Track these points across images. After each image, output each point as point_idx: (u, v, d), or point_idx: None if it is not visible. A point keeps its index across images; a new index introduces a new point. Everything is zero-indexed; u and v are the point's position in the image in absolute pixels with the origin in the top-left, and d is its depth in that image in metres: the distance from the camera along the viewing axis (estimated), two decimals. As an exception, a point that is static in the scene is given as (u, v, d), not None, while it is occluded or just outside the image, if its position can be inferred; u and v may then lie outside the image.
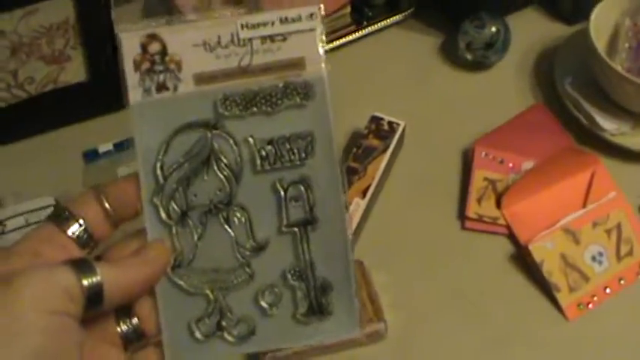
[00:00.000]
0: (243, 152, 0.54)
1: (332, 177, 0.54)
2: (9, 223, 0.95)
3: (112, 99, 1.08)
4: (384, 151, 0.95)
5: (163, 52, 0.53)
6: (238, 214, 0.54)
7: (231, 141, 0.54)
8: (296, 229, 0.54)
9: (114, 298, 0.47)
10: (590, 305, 0.88)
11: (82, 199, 0.51)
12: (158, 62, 0.53)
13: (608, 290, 0.89)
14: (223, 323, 0.54)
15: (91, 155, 1.00)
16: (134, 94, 0.53)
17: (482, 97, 1.08)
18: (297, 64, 0.54)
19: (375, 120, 0.97)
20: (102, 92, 1.09)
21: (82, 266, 0.45)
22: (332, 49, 1.11)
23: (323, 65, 0.54)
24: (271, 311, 0.54)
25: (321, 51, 0.54)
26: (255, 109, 0.54)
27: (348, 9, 1.13)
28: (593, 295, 0.88)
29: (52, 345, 0.42)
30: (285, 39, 0.54)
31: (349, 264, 0.54)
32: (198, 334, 0.53)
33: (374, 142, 0.95)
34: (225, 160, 0.54)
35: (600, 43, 0.98)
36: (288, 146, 0.54)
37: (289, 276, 0.54)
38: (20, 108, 1.08)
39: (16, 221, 0.95)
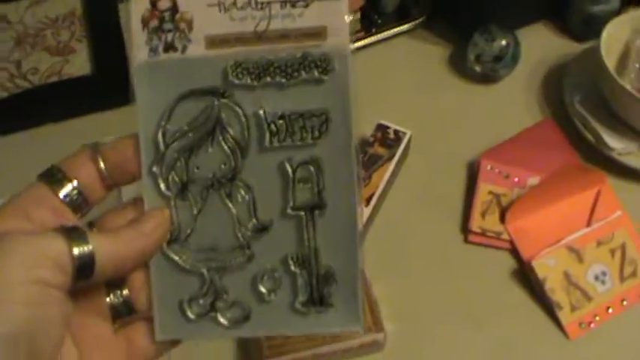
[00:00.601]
0: (252, 126, 0.50)
1: (346, 161, 0.49)
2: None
3: (116, 94, 1.08)
4: (390, 159, 0.94)
5: (174, 9, 0.50)
6: (242, 192, 0.50)
7: (240, 112, 0.50)
8: (302, 213, 0.50)
9: (105, 270, 0.44)
10: (592, 325, 0.87)
11: (77, 159, 0.48)
12: (167, 20, 0.50)
13: (610, 310, 0.88)
14: (217, 304, 0.50)
15: (93, 150, 0.98)
16: (140, 52, 0.50)
17: (490, 110, 1.07)
18: (319, 33, 0.49)
19: (382, 128, 0.96)
20: (106, 86, 1.09)
21: (73, 235, 0.43)
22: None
23: (347, 38, 0.49)
24: (269, 297, 0.50)
25: (346, 22, 0.49)
26: (268, 79, 0.49)
27: (358, 15, 1.12)
28: (595, 315, 0.87)
29: (36, 317, 0.40)
30: (307, 5, 0.49)
31: (357, 255, 0.50)
32: (190, 314, 0.50)
33: (379, 150, 0.94)
34: (231, 133, 0.50)
35: (610, 62, 0.97)
36: (301, 123, 0.49)
37: (291, 262, 0.50)
38: (23, 99, 1.07)
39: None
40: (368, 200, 0.90)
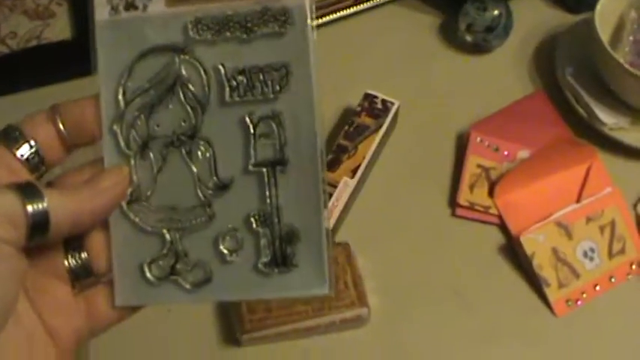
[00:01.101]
0: (212, 81, 0.49)
1: (308, 116, 0.49)
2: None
3: (97, 59, 1.05)
4: (377, 130, 0.92)
5: None
6: (202, 149, 0.49)
7: (200, 68, 0.49)
8: (264, 170, 0.49)
9: (61, 228, 0.43)
10: (579, 302, 0.86)
11: (35, 119, 0.47)
12: None
13: (598, 288, 0.87)
14: (178, 267, 0.50)
15: (72, 116, 0.96)
16: (101, 11, 0.49)
17: (481, 81, 1.05)
18: None
19: (369, 97, 0.94)
20: (87, 52, 1.06)
21: (27, 191, 0.42)
22: (328, 22, 1.08)
23: None
24: (231, 257, 0.49)
25: None
26: (228, 34, 0.49)
27: (348, -18, 1.10)
28: (583, 292, 0.86)
29: None
30: None
31: (321, 212, 0.49)
32: (149, 276, 0.50)
33: (366, 120, 0.92)
34: (192, 89, 0.49)
35: (604, 35, 0.95)
36: (261, 77, 0.49)
37: (253, 221, 0.49)
38: (2, 63, 1.05)
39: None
40: (354, 172, 0.89)
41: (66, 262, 0.47)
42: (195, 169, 0.49)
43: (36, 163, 0.47)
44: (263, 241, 0.49)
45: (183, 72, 0.49)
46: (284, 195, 0.49)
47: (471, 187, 0.92)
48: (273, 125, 0.49)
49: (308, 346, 0.83)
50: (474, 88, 1.04)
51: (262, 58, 0.49)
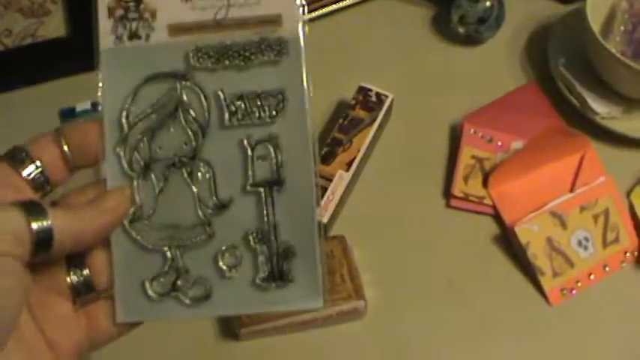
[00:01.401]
0: (212, 106, 0.52)
1: (302, 139, 0.52)
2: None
3: (92, 57, 1.05)
4: (371, 123, 0.92)
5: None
6: (202, 170, 0.52)
7: (201, 94, 0.52)
8: (261, 190, 0.52)
9: (64, 245, 0.45)
10: (574, 291, 0.87)
11: (41, 141, 0.49)
12: (132, 10, 0.52)
13: (592, 277, 0.87)
14: (179, 283, 0.51)
15: (68, 113, 0.97)
16: (105, 40, 0.52)
17: (473, 72, 1.05)
18: (274, 20, 0.52)
19: (363, 91, 0.95)
20: (82, 49, 1.04)
21: (32, 209, 0.43)
22: (322, 16, 1.09)
23: (300, 24, 0.52)
24: (230, 274, 0.51)
25: (298, 9, 0.52)
26: (227, 62, 0.52)
27: (341, -25, 1.10)
28: (577, 281, 0.87)
29: None
30: None
31: (314, 230, 0.51)
32: (151, 293, 0.51)
33: (361, 113, 0.93)
34: (192, 114, 0.52)
35: (595, 25, 0.96)
36: (258, 102, 0.52)
37: (251, 238, 0.52)
38: (-3, 61, 1.05)
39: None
40: (349, 165, 0.89)
41: (68, 279, 0.49)
42: (195, 190, 0.52)
43: (41, 183, 0.48)
44: (261, 258, 0.52)
45: (185, 97, 0.52)
46: (280, 213, 0.52)
47: (466, 178, 0.93)
48: (270, 147, 0.52)
49: (305, 340, 0.84)
50: (467, 79, 1.05)
51: (259, 84, 0.52)
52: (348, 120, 0.92)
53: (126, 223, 0.51)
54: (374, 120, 0.92)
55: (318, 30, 1.06)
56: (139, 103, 0.51)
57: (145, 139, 0.51)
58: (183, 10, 0.52)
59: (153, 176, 0.51)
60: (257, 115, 0.52)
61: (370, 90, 0.95)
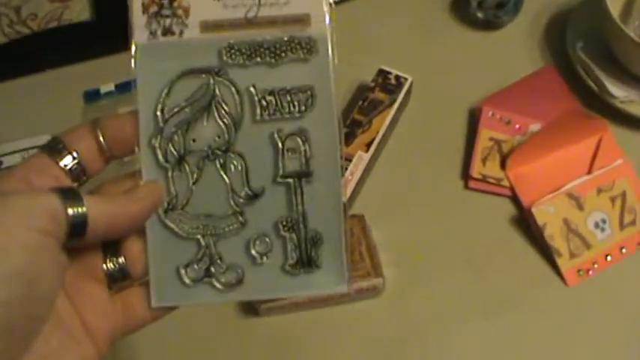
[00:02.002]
0: (244, 101, 0.54)
1: (330, 132, 0.54)
2: (5, 160, 0.94)
3: (115, 40, 1.05)
4: (391, 105, 0.93)
5: None
6: (235, 162, 0.54)
7: (233, 89, 0.54)
8: (291, 181, 0.54)
9: (98, 230, 0.46)
10: (591, 272, 0.87)
11: (78, 133, 0.51)
12: (166, 7, 0.54)
13: (609, 258, 0.88)
14: (212, 269, 0.54)
15: (92, 95, 0.99)
16: (140, 35, 0.54)
17: (492, 56, 1.06)
18: (302, 20, 0.54)
19: (383, 73, 0.96)
20: (106, 32, 1.07)
21: (68, 194, 0.45)
22: (343, 0, 1.09)
23: (327, 23, 0.54)
24: (261, 260, 0.54)
25: (326, 9, 0.54)
26: (258, 59, 0.54)
27: (361, -40, 1.11)
28: (594, 263, 0.87)
29: (34, 263, 0.42)
30: None
31: (341, 219, 0.54)
32: (186, 279, 0.53)
33: (380, 95, 0.94)
34: (225, 108, 0.54)
35: (614, 9, 0.96)
36: (288, 98, 0.54)
37: (281, 226, 0.54)
38: (23, 44, 1.07)
39: (13, 158, 0.94)
40: (368, 146, 0.90)
41: (104, 266, 0.51)
42: (228, 181, 0.54)
43: (78, 173, 0.50)
44: (290, 245, 0.54)
45: (218, 92, 0.54)
46: (309, 203, 0.54)
47: (484, 160, 0.94)
48: (300, 141, 0.54)
49: (324, 316, 0.85)
50: (485, 63, 1.05)
51: (289, 81, 0.54)
52: (368, 102, 0.93)
53: (161, 212, 0.53)
54: (393, 102, 0.93)
55: (340, 14, 1.06)
56: (173, 97, 0.53)
57: (179, 131, 0.53)
58: (216, 7, 0.54)
59: (187, 168, 0.53)
60: (287, 109, 0.54)
61: (390, 73, 0.96)
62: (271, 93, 0.54)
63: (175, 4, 0.54)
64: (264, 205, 0.54)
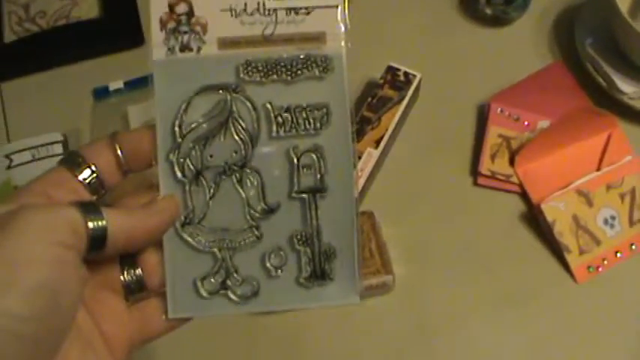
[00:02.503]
0: (261, 117, 0.54)
1: (344, 149, 0.55)
2: (15, 158, 0.95)
3: (124, 37, 1.08)
4: (399, 102, 0.93)
5: (190, 13, 0.55)
6: (251, 177, 0.54)
7: (250, 105, 0.54)
8: (305, 196, 0.55)
9: (117, 243, 0.47)
10: (600, 269, 0.87)
11: (96, 147, 0.52)
12: (184, 23, 0.54)
13: (619, 255, 0.88)
14: (228, 282, 0.54)
15: (101, 92, 0.99)
16: (158, 51, 0.54)
17: (500, 52, 1.06)
18: (318, 38, 0.55)
19: (392, 70, 0.96)
20: (115, 30, 1.09)
21: (88, 208, 0.46)
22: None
23: (343, 42, 0.55)
24: (276, 273, 0.55)
25: (341, 28, 0.55)
26: (275, 76, 0.54)
27: (369, -43, 1.11)
28: (604, 259, 0.87)
29: (55, 277, 0.42)
30: (308, 12, 0.55)
31: (354, 233, 0.55)
32: (202, 291, 0.54)
33: (389, 92, 0.94)
34: (242, 124, 0.54)
35: (623, 5, 0.96)
36: (304, 115, 0.54)
37: (296, 240, 0.55)
38: (31, 42, 1.08)
39: (23, 156, 0.95)
40: (377, 142, 0.90)
41: (121, 278, 0.52)
42: (244, 195, 0.55)
43: (96, 187, 0.51)
44: (304, 258, 0.55)
45: (235, 109, 0.54)
46: (323, 217, 0.55)
47: (493, 157, 0.94)
48: (315, 157, 0.55)
49: (334, 313, 0.85)
50: (494, 59, 1.05)
51: (305, 98, 0.55)
52: (377, 99, 0.93)
53: (178, 226, 0.54)
54: (402, 99, 0.94)
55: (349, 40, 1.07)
56: (191, 113, 0.54)
57: (197, 147, 0.54)
58: (233, 24, 0.55)
59: (204, 182, 0.54)
60: (303, 126, 0.54)
61: (399, 69, 0.96)
62: (287, 110, 0.55)
63: (193, 20, 0.54)
64: (279, 219, 0.55)
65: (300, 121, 0.54)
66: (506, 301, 0.86)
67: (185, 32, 0.54)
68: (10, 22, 1.08)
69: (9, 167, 0.94)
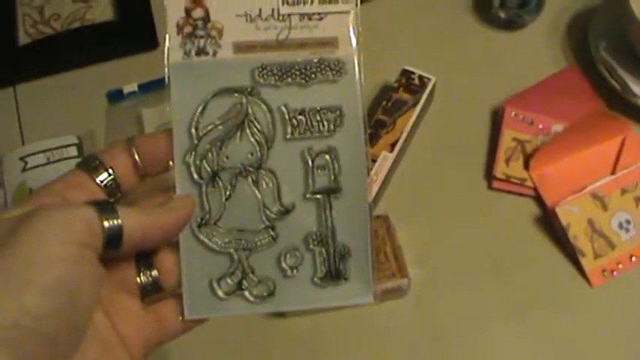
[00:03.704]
0: (276, 120, 0.55)
1: (358, 150, 0.56)
2: (30, 160, 0.95)
3: (138, 40, 1.08)
4: (414, 105, 0.93)
5: (206, 18, 0.56)
6: (267, 179, 0.55)
7: (265, 108, 0.55)
8: (320, 197, 0.56)
9: (133, 242, 0.48)
10: (615, 273, 0.87)
11: (113, 150, 0.53)
12: (200, 28, 0.56)
13: (633, 259, 0.88)
14: (244, 283, 0.55)
15: (115, 95, 0.99)
16: (174, 54, 0.56)
17: (514, 56, 1.06)
18: (331, 42, 0.56)
19: (406, 74, 0.96)
20: (129, 33, 1.09)
21: (104, 207, 0.47)
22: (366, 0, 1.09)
23: (354, 46, 0.56)
24: (292, 273, 0.55)
25: (353, 33, 0.56)
26: (289, 80, 0.56)
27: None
28: (619, 263, 0.87)
29: (72, 275, 0.43)
30: (321, 18, 0.56)
31: (368, 233, 0.56)
32: (219, 292, 0.55)
33: (404, 95, 0.94)
34: (258, 126, 0.55)
35: (637, 8, 0.95)
36: (318, 117, 0.55)
37: (311, 241, 0.55)
38: (46, 44, 1.08)
39: (38, 158, 0.95)
40: (392, 146, 0.90)
41: (137, 279, 0.52)
42: (260, 196, 0.55)
43: (113, 189, 0.52)
44: (319, 258, 0.56)
45: (250, 111, 0.55)
46: (337, 218, 0.56)
47: (507, 161, 0.94)
48: (329, 158, 0.56)
49: (349, 317, 0.85)
50: (508, 63, 1.05)
51: (319, 101, 0.56)
52: (392, 102, 0.94)
53: (195, 227, 0.54)
54: (417, 102, 0.94)
55: (363, 14, 1.07)
56: (207, 115, 0.55)
57: (213, 149, 0.55)
58: (248, 29, 0.56)
59: (220, 184, 0.55)
60: (317, 128, 0.56)
61: (413, 73, 0.96)
62: (302, 112, 0.56)
63: (209, 25, 0.55)
64: (294, 220, 0.56)
65: (315, 123, 0.55)
66: (521, 304, 0.86)
67: (201, 36, 0.55)
68: (25, 24, 1.09)
69: (24, 170, 0.94)
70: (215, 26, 0.56)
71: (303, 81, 0.56)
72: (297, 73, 0.56)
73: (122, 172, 0.52)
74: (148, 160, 0.53)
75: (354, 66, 0.56)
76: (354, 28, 0.56)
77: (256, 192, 0.55)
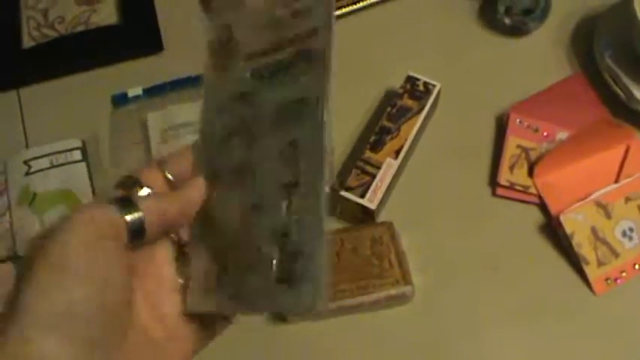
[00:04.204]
0: (265, 116, 0.56)
1: (317, 145, 0.53)
2: (34, 164, 0.95)
3: (143, 43, 1.08)
4: (419, 112, 0.93)
5: (230, 38, 0.59)
6: (254, 175, 0.55)
7: (261, 108, 0.56)
8: (284, 192, 0.54)
9: (153, 228, 0.51)
10: (619, 281, 0.87)
11: (148, 170, 0.55)
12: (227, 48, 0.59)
13: (637, 267, 0.88)
14: (222, 280, 0.55)
15: (120, 99, 0.99)
16: (207, 73, 0.59)
17: (519, 63, 1.06)
18: (312, 35, 0.56)
19: (411, 80, 0.96)
20: (133, 36, 1.09)
21: (125, 204, 0.50)
22: (371, 5, 1.09)
23: (329, 36, 0.55)
24: (254, 274, 0.53)
25: (332, 21, 0.56)
26: (277, 79, 0.56)
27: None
28: (622, 271, 0.87)
29: (103, 264, 0.47)
30: (304, 12, 0.57)
31: (322, 237, 0.52)
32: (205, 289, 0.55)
33: (409, 102, 0.94)
34: (255, 127, 0.56)
35: (643, 16, 0.96)
36: (295, 109, 0.55)
37: (274, 239, 0.53)
38: (50, 47, 1.08)
39: (42, 162, 0.95)
40: (397, 153, 0.90)
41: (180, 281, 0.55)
42: (242, 193, 0.56)
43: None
44: (275, 260, 0.53)
45: (252, 113, 0.57)
46: (294, 216, 0.53)
47: (511, 168, 0.94)
48: (292, 151, 0.54)
49: (353, 324, 0.85)
50: (513, 70, 1.05)
51: (298, 92, 0.55)
52: (397, 109, 0.94)
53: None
54: (422, 109, 0.94)
55: (368, 20, 1.07)
56: (223, 122, 0.57)
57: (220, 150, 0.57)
58: (255, 39, 0.58)
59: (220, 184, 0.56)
60: (292, 123, 0.55)
61: (418, 79, 0.96)
62: (282, 106, 0.56)
63: (232, 45, 0.59)
64: (265, 216, 0.54)
65: (293, 114, 0.55)
66: (525, 311, 0.86)
67: (226, 56, 0.58)
68: (29, 27, 1.09)
69: (27, 173, 0.94)
70: (237, 45, 0.59)
71: (287, 77, 0.56)
72: (283, 71, 0.56)
73: (157, 188, 0.55)
74: (178, 174, 0.56)
75: (329, 56, 0.55)
76: (333, 17, 0.56)
77: (241, 190, 0.56)
